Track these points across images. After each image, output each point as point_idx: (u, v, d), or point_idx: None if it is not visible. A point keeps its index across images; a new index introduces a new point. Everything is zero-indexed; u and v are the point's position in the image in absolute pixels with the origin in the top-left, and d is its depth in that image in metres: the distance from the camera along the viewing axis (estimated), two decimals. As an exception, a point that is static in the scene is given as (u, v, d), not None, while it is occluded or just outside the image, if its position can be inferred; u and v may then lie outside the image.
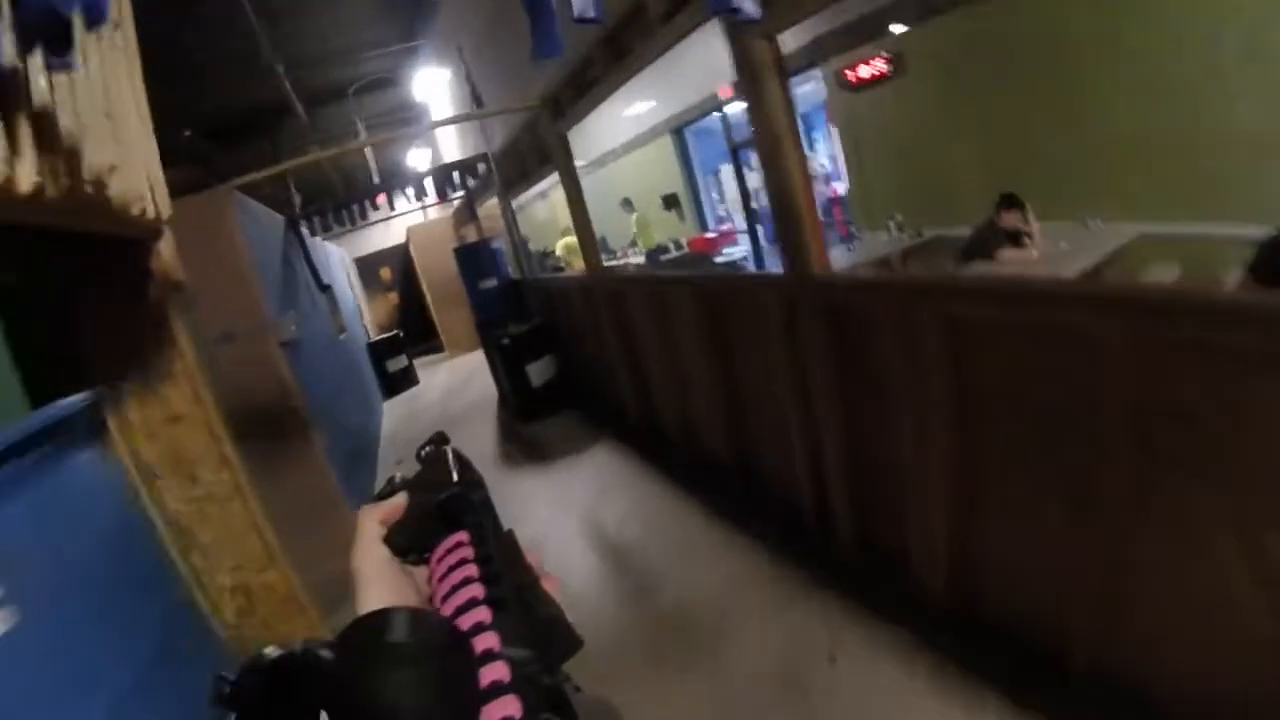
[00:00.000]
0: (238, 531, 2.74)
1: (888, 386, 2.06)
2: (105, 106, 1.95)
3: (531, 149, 4.78)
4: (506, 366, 5.51)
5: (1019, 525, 1.79)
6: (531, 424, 5.53)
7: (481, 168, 5.83)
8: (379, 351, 8.99)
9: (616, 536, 3.47)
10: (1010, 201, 3.90)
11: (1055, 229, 4.09)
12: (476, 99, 5.54)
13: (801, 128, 9.10)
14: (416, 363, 9.78)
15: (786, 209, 2.23)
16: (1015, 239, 3.90)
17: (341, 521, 3.95)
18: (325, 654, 0.31)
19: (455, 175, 5.56)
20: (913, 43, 5.90)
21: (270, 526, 2.79)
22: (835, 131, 12.24)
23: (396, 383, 9.06)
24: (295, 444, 3.82)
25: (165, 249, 2.40)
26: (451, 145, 11.84)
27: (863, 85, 6.76)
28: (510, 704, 0.30)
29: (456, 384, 8.69)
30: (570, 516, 3.80)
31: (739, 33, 2.20)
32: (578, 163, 4.27)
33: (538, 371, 5.42)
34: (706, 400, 3.39)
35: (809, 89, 10.12)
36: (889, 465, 2.18)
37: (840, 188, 11.57)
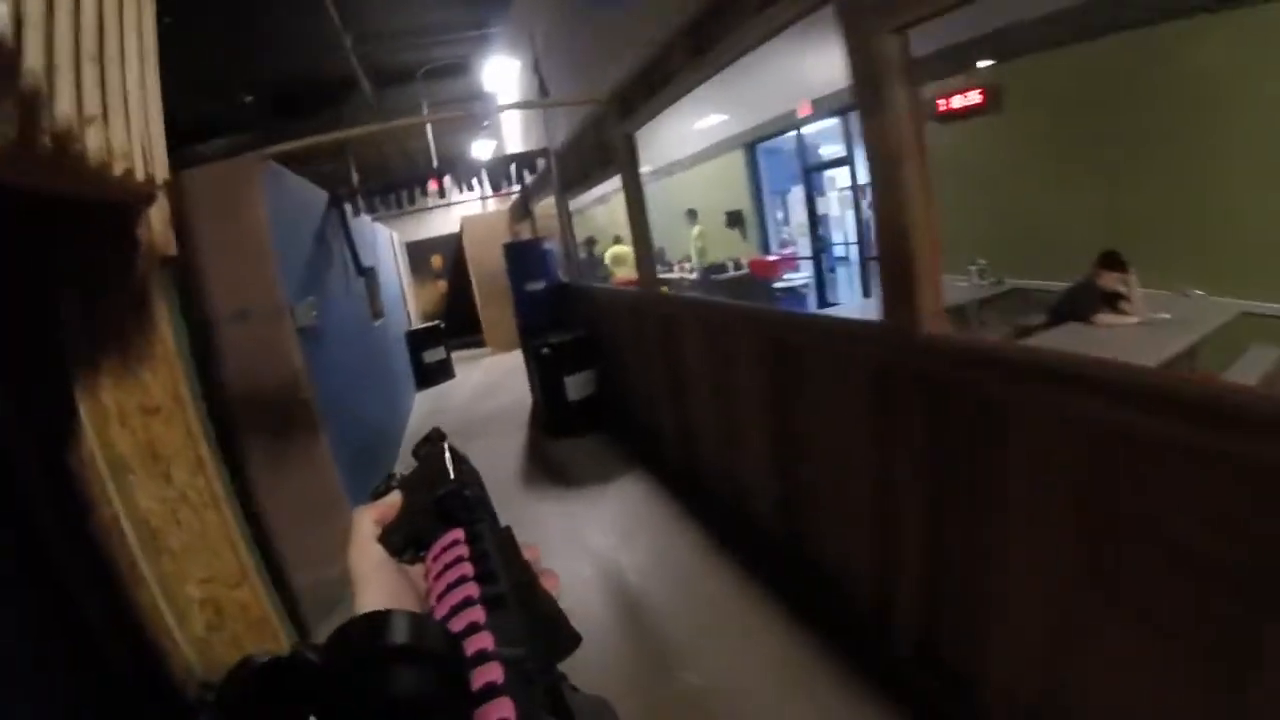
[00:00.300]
0: (211, 542, 2.40)
1: (1000, 498, 1.60)
2: (94, 49, 1.62)
3: (594, 148, 4.41)
4: (543, 376, 5.14)
5: (1138, 682, 1.31)
6: (561, 440, 5.14)
7: (541, 163, 5.48)
8: (417, 341, 8.74)
9: (638, 592, 3.04)
10: (1112, 261, 3.60)
11: (1152, 297, 3.72)
12: (543, 89, 5.21)
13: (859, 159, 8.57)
14: (455, 356, 9.52)
15: (898, 243, 1.77)
16: (1111, 301, 3.61)
17: (341, 524, 3.60)
18: (315, 658, 0.30)
19: (513, 168, 5.22)
20: (1014, 77, 5.40)
21: (246, 541, 2.44)
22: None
23: (432, 374, 8.80)
24: (300, 439, 3.51)
25: (157, 217, 2.07)
26: (516, 140, 11.61)
27: (952, 117, 6.25)
28: (504, 706, 0.29)
29: (490, 384, 8.37)
30: (586, 560, 3.39)
31: (860, 25, 1.76)
32: (641, 169, 3.89)
33: (576, 385, 5.03)
34: (757, 451, 2.94)
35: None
36: (977, 579, 1.72)
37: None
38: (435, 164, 7.34)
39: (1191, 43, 4.00)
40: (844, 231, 10.38)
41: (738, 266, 9.74)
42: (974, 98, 5.94)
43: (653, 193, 10.37)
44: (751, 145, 9.47)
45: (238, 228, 3.27)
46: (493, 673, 0.30)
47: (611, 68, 3.78)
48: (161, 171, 2.06)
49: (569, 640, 0.38)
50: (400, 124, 5.21)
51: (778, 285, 8.97)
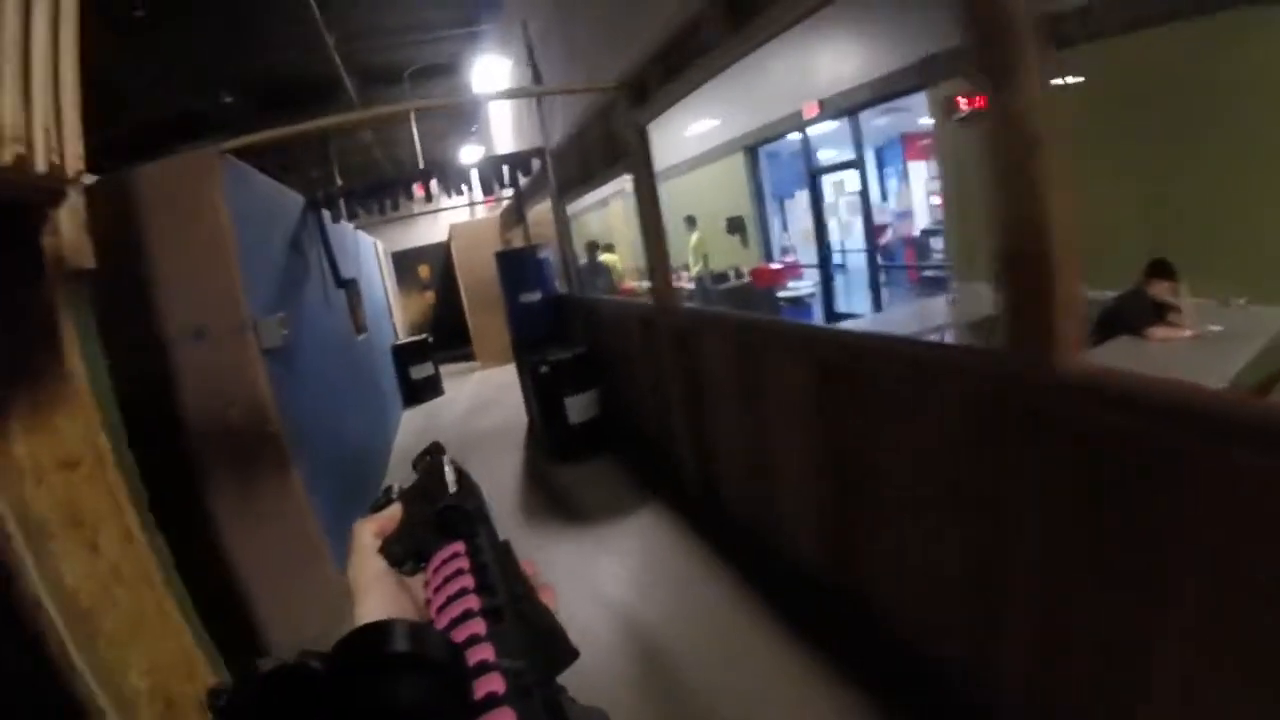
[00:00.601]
0: (152, 626, 1.96)
1: (1163, 585, 1.19)
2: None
3: (598, 144, 3.99)
4: (542, 397, 4.70)
5: None
6: (563, 466, 4.69)
7: (535, 165, 5.06)
8: (404, 355, 8.27)
9: (661, 648, 2.61)
10: (1162, 270, 3.44)
11: (1194, 306, 3.48)
12: (538, 82, 4.78)
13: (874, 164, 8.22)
14: (444, 370, 9.05)
15: (1028, 251, 1.37)
16: (1160, 312, 3.44)
17: (321, 578, 3.16)
18: (319, 665, 0.30)
19: (505, 170, 4.80)
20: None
21: (192, 628, 2.00)
22: (918, 167, 11.40)
23: (420, 391, 8.31)
24: (270, 479, 3.05)
25: (69, 221, 1.63)
26: (507, 144, 11.21)
27: (976, 115, 5.88)
28: (505, 716, 0.29)
29: (482, 401, 7.90)
30: (603, 612, 2.95)
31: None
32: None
33: (578, 407, 4.59)
34: (798, 488, 2.53)
35: (882, 123, 9.27)
36: (1119, 691, 1.31)
37: (915, 229, 10.66)
38: (421, 166, 6.90)
39: (1241, 34, 3.66)
40: (843, 239, 10.06)
41: (738, 275, 9.35)
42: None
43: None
44: (753, 148, 9.08)
45: (194, 232, 2.82)
46: (494, 683, 0.31)
47: (617, 54, 3.37)
48: (74, 163, 1.63)
49: (567, 653, 0.38)
50: (381, 113, 4.79)
51: (782, 295, 8.58)
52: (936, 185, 11.04)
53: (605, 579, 3.25)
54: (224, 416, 2.88)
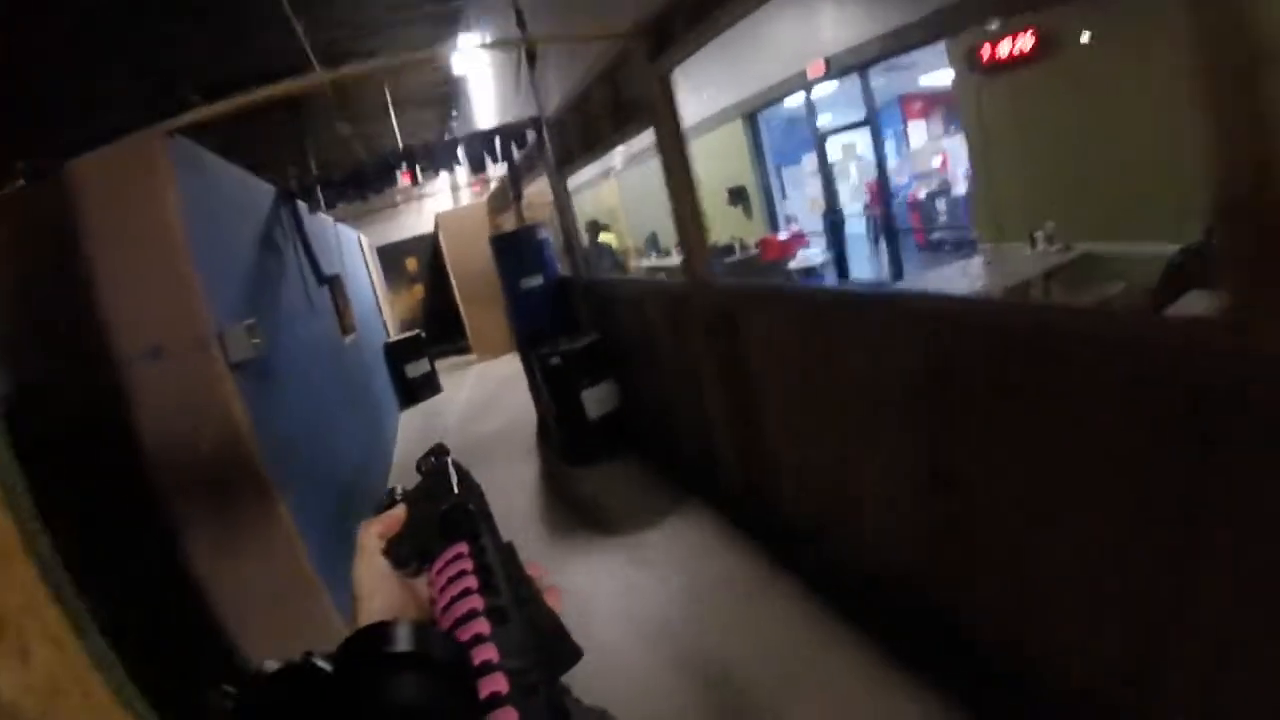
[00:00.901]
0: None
1: None
2: None
3: (606, 106, 3.51)
4: (556, 392, 4.25)
5: None
6: (582, 469, 4.26)
7: (530, 137, 4.56)
8: (397, 353, 7.80)
9: (719, 677, 2.21)
10: None
11: None
12: (529, 52, 4.27)
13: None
14: (439, 365, 8.58)
15: (1265, 199, 0.94)
16: None
17: (319, 616, 2.74)
18: (325, 665, 0.31)
19: (497, 142, 4.31)
20: (1069, 19, 4.64)
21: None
22: (918, 127, 10.91)
23: (416, 390, 7.86)
24: (253, 513, 2.61)
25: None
26: (491, 120, 10.69)
27: (1001, 67, 5.48)
28: (509, 716, 0.30)
29: (484, 399, 7.43)
30: (640, 632, 2.55)
31: None
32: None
33: (596, 401, 4.15)
34: (888, 493, 2.11)
35: (880, 83, 8.75)
36: None
37: (921, 192, 10.20)
38: (400, 145, 6.39)
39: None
40: (849, 205, 9.59)
41: (743, 247, 8.88)
42: (1025, 43, 5.16)
43: (641, 174, 9.53)
44: (752, 114, 8.57)
45: (140, 230, 2.35)
46: (497, 683, 0.31)
47: (619, 6, 2.90)
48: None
49: (571, 654, 0.39)
50: (347, 73, 4.29)
51: (794, 266, 8.13)
52: (939, 145, 10.68)
53: (644, 597, 2.84)
54: (193, 447, 2.43)
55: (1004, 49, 5.31)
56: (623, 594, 2.91)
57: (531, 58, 4.27)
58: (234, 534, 2.58)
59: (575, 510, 3.84)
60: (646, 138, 3.10)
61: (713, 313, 2.86)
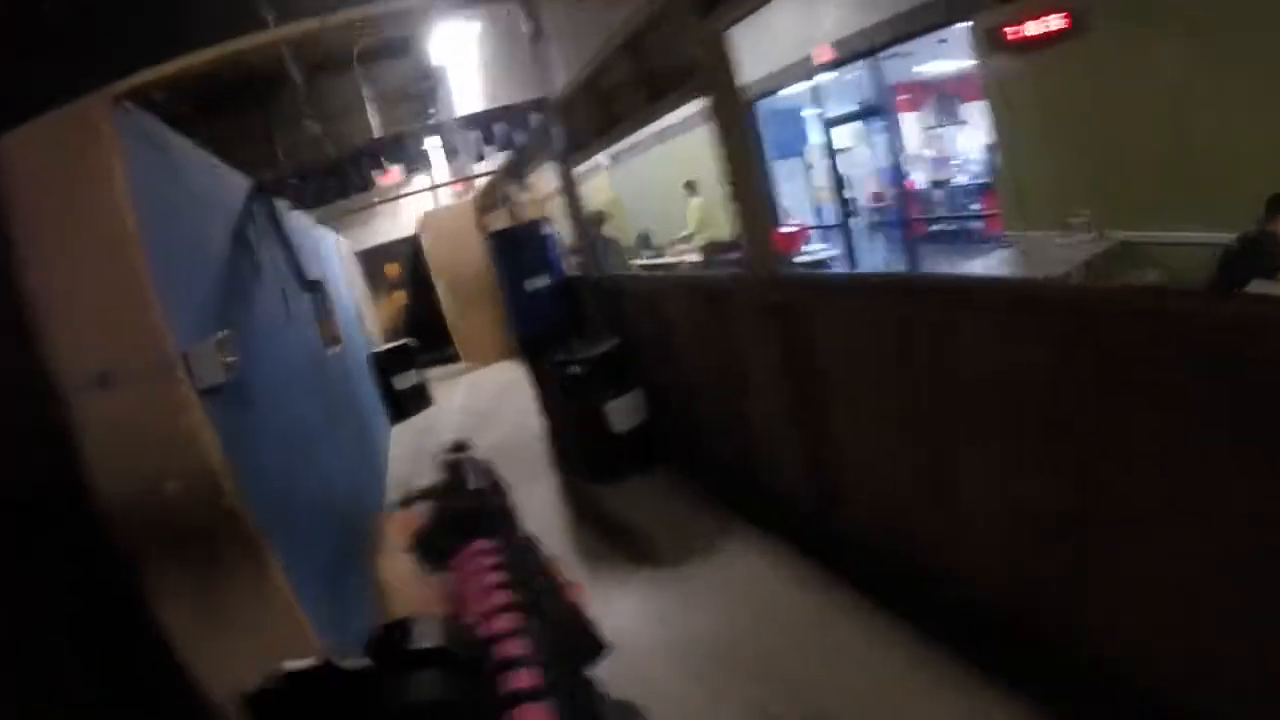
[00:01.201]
0: None
1: None
2: None
3: (631, 79, 3.05)
4: (575, 403, 3.77)
5: None
6: (609, 487, 3.78)
7: (535, 120, 4.09)
8: (385, 365, 7.26)
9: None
10: None
11: None
12: (536, 27, 3.79)
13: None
14: (429, 376, 8.07)
15: None
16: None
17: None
18: (348, 663, 0.31)
19: (497, 129, 3.84)
20: None
21: None
22: (909, 119, 10.61)
23: (407, 403, 7.31)
24: (238, 570, 2.11)
25: None
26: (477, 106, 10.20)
27: (1027, 46, 5.16)
28: (534, 709, 0.27)
29: (481, 410, 6.91)
30: (705, 680, 2.12)
31: None
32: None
33: (622, 413, 3.68)
34: (1003, 512, 1.69)
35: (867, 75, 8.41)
36: None
37: (917, 180, 9.86)
38: (376, 135, 5.88)
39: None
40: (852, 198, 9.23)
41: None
42: (1054, 21, 4.83)
43: (635, 168, 9.07)
44: (751, 103, 8.16)
45: (81, 222, 1.86)
46: (522, 678, 0.32)
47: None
48: None
49: (596, 648, 0.40)
50: (310, 26, 3.78)
51: (801, 260, 7.74)
52: (933, 135, 10.40)
53: (706, 637, 2.40)
54: (158, 494, 1.93)
55: (1032, 28, 4.99)
56: (679, 632, 2.47)
57: (537, 33, 3.81)
58: (218, 600, 2.08)
59: (607, 535, 3.37)
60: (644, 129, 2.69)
61: (770, 309, 2.42)
